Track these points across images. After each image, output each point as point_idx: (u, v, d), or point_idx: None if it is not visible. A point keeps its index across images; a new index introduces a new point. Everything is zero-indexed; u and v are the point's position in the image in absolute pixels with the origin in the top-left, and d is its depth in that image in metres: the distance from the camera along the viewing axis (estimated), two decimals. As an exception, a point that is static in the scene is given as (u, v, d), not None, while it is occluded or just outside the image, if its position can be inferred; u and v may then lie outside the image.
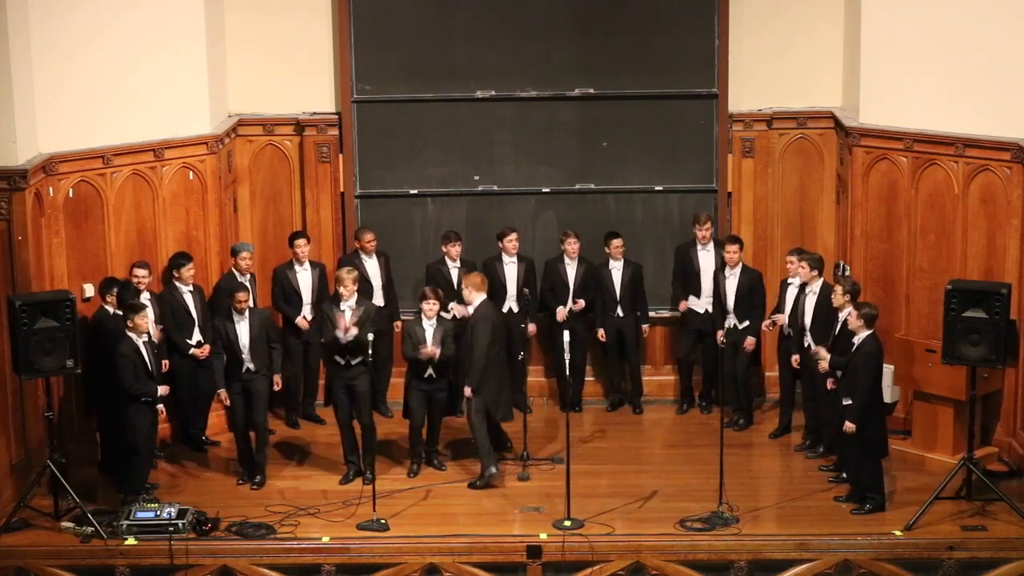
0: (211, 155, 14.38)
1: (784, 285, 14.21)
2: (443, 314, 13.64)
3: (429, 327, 13.43)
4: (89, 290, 13.72)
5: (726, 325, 13.35)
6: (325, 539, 12.46)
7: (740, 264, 14.56)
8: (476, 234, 15.19)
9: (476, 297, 13.47)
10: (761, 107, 15.24)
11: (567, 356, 13.10)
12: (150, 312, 13.66)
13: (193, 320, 13.95)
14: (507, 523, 12.76)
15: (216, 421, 14.51)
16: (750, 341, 14.49)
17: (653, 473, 13.68)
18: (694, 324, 14.93)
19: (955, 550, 12.25)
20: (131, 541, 12.37)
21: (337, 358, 13.43)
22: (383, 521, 12.63)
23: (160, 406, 12.94)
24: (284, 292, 14.65)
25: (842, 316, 13.02)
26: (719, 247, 14.79)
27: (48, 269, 13.37)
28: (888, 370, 13.97)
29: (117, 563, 12.31)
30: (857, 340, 12.68)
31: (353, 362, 13.39)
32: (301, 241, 14.70)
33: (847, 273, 14.26)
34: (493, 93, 15.14)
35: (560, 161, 15.28)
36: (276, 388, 13.75)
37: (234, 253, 14.41)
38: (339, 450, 13.75)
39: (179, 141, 14.18)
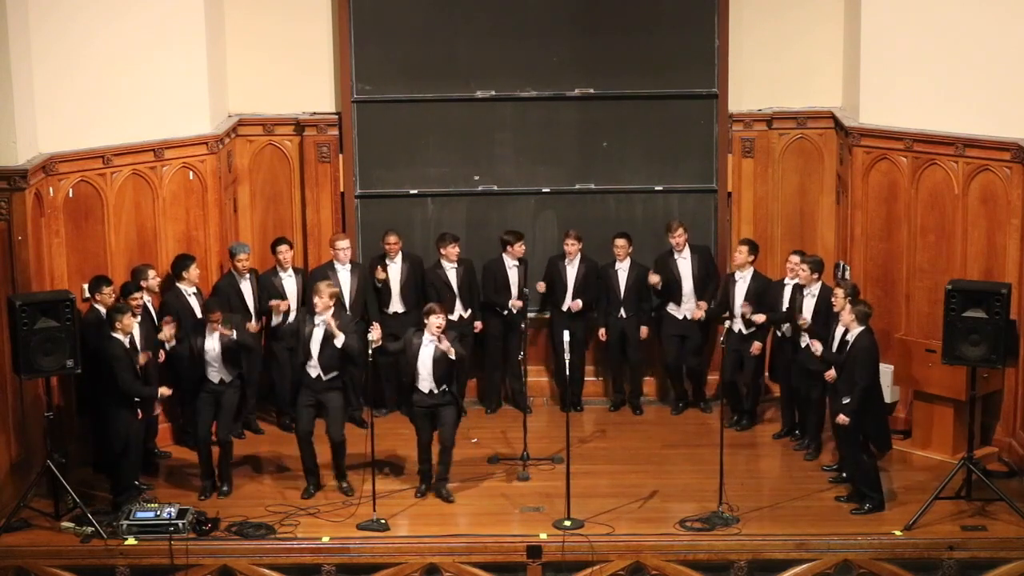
0: (211, 155, 14.38)
1: (780, 285, 14.18)
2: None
3: (429, 344, 13.01)
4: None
5: (728, 329, 13.30)
6: (325, 539, 12.46)
7: (751, 269, 14.48)
8: (476, 234, 15.19)
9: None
10: (761, 107, 15.24)
11: (567, 356, 13.10)
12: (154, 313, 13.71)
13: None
14: (507, 523, 12.75)
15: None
16: (756, 346, 14.44)
17: (653, 473, 13.67)
18: (673, 330, 14.92)
19: (955, 550, 12.25)
20: (131, 541, 12.37)
21: (308, 370, 13.11)
22: (383, 521, 12.63)
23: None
24: (270, 298, 14.56)
25: (843, 320, 12.95)
26: (695, 253, 14.75)
27: (48, 269, 13.36)
28: (888, 370, 13.97)
29: (117, 563, 12.31)
30: (851, 337, 12.69)
31: (325, 377, 13.13)
32: (284, 247, 14.57)
33: (847, 275, 14.25)
34: (493, 93, 15.14)
35: (560, 161, 15.28)
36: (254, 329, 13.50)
37: (232, 254, 14.40)
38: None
39: (179, 141, 14.17)
